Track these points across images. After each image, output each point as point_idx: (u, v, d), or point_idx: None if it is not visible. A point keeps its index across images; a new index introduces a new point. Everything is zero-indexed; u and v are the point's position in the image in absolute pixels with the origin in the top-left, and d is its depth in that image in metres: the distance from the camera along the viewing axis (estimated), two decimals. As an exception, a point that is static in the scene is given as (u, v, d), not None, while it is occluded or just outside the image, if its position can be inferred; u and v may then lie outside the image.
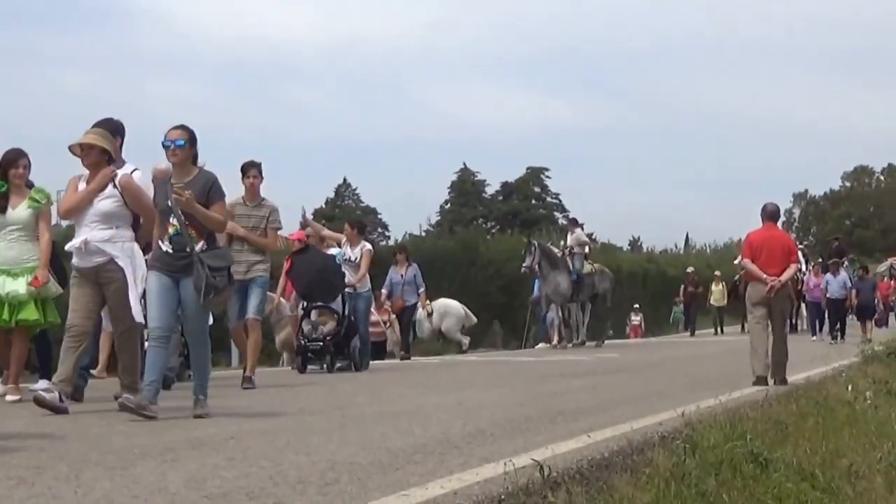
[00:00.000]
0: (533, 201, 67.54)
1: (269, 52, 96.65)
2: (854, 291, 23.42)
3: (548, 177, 67.91)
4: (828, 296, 22.95)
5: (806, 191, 79.97)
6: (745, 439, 5.40)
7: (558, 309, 21.32)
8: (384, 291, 17.62)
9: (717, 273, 30.38)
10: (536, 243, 21.52)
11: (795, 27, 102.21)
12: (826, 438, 5.95)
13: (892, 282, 34.81)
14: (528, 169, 67.90)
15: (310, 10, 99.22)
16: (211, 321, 8.22)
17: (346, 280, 13.26)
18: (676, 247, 51.48)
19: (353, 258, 13.76)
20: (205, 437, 6.08)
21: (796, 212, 79.19)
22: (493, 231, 56.59)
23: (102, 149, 7.63)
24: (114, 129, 8.13)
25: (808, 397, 8.24)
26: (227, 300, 10.10)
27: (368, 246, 14.23)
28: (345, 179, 67.87)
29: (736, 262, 24.64)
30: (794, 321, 24.15)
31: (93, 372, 9.57)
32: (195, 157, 7.44)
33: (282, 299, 14.96)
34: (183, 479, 4.59)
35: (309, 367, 13.10)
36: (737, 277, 25.18)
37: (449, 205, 67.50)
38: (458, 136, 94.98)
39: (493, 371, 13.80)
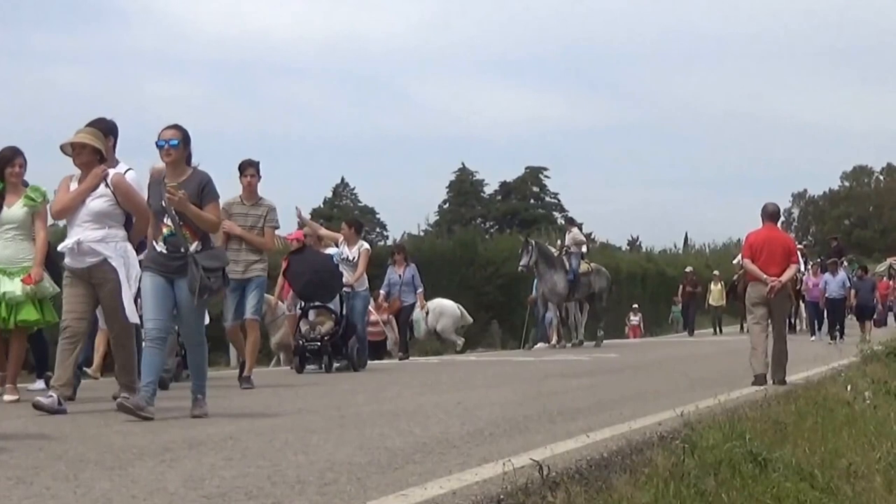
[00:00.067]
0: (531, 201, 67.43)
1: (266, 51, 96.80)
2: (853, 291, 23.45)
3: (546, 176, 67.90)
4: (826, 296, 22.99)
5: (805, 190, 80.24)
6: (744, 439, 5.39)
7: (556, 308, 21.35)
8: (382, 291, 17.63)
9: (716, 273, 30.41)
10: (534, 242, 21.54)
11: (795, 27, 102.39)
12: (825, 438, 5.96)
13: (891, 282, 34.86)
14: (526, 168, 67.84)
15: (307, 10, 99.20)
16: (207, 321, 8.20)
17: (344, 280, 13.25)
18: (675, 247, 51.38)
19: (350, 258, 13.76)
20: (203, 437, 6.08)
21: (795, 211, 79.31)
22: (492, 231, 56.61)
23: (94, 148, 7.59)
24: (106, 128, 8.11)
25: (807, 397, 8.24)
26: (222, 300, 10.08)
27: (366, 246, 14.22)
28: (343, 179, 67.85)
29: (735, 261, 24.69)
30: (793, 321, 24.14)
31: (87, 371, 9.56)
32: (189, 158, 7.42)
33: (278, 301, 14.95)
34: (181, 479, 4.58)
35: (307, 366, 13.10)
36: (735, 277, 25.21)
37: (447, 204, 67.37)
38: (456, 136, 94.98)
39: (491, 371, 13.78)
